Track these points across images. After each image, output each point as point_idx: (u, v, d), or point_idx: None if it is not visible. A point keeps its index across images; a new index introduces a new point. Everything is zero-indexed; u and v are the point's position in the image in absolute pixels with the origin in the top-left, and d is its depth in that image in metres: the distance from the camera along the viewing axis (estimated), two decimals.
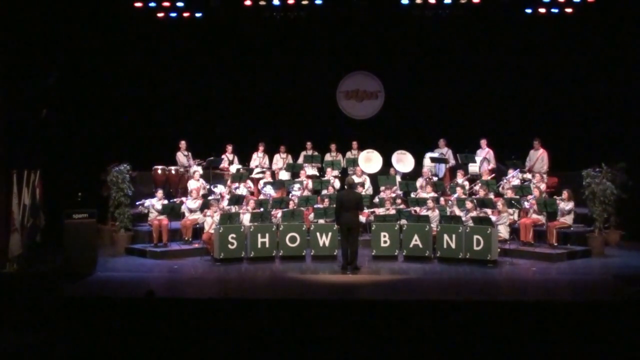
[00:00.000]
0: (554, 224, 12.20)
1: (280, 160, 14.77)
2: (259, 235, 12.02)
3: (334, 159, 14.68)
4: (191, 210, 12.78)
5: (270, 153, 14.87)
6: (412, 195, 13.46)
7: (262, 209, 12.53)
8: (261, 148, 14.81)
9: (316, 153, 14.79)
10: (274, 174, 14.48)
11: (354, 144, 15.00)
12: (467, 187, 13.46)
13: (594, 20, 14.45)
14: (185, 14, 14.97)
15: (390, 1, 15.05)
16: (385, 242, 12.08)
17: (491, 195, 12.78)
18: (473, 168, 14.14)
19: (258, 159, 14.78)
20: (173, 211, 12.67)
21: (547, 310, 8.82)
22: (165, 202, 12.73)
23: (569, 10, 14.52)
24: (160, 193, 12.88)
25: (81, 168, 13.60)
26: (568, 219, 12.25)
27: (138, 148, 14.64)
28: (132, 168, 13.33)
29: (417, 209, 12.76)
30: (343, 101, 16.40)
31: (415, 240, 11.96)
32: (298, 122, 15.92)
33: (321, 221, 12.50)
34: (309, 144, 14.93)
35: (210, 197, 13.05)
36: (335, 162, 14.57)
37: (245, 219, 12.40)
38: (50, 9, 12.73)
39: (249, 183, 13.93)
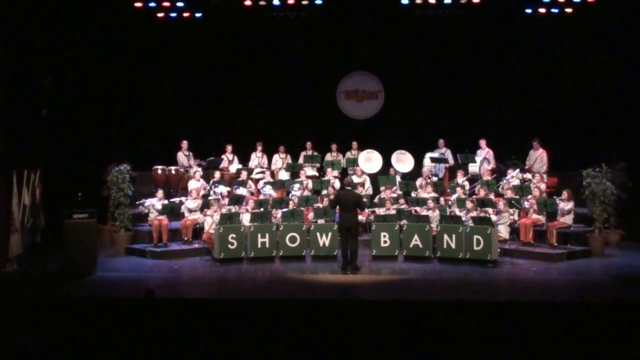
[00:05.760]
0: (554, 224, 12.19)
1: (279, 160, 14.77)
2: (259, 235, 12.02)
3: (334, 159, 14.68)
4: (191, 210, 12.78)
5: (270, 153, 14.87)
6: (412, 195, 13.46)
7: (262, 209, 12.53)
8: (259, 148, 14.82)
9: (316, 153, 14.79)
10: (273, 174, 14.48)
11: (354, 144, 15.00)
12: (467, 187, 13.46)
13: (594, 20, 14.45)
14: (185, 14, 14.99)
15: (390, 1, 15.06)
16: (385, 242, 12.08)
17: (491, 196, 12.78)
18: (473, 168, 14.15)
19: (257, 158, 14.79)
20: (173, 211, 12.67)
21: (547, 310, 8.83)
22: (166, 202, 12.72)
23: (569, 10, 14.54)
24: (160, 193, 12.88)
25: (81, 168, 13.59)
26: (568, 219, 12.24)
27: (138, 148, 14.63)
28: (132, 168, 13.32)
29: (417, 209, 12.76)
30: (343, 101, 16.41)
31: (415, 240, 11.95)
32: (298, 122, 15.93)
33: (321, 221, 12.50)
34: (309, 144, 14.94)
35: (210, 197, 13.05)
36: (335, 162, 14.57)
37: (245, 219, 12.40)
38: (50, 9, 12.72)
39: (249, 183, 13.92)
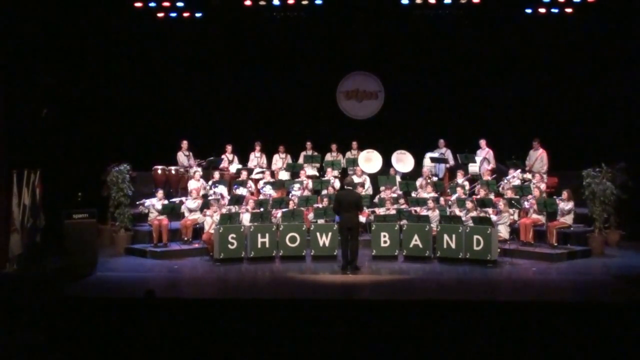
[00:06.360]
0: (554, 224, 12.20)
1: (279, 160, 14.78)
2: (259, 235, 12.02)
3: (334, 159, 14.68)
4: (191, 210, 12.79)
5: (269, 153, 14.87)
6: (412, 195, 13.46)
7: (262, 209, 12.53)
8: (258, 148, 14.82)
9: (316, 153, 14.79)
10: (273, 174, 14.49)
11: (354, 144, 15.01)
12: (467, 187, 13.46)
13: (594, 20, 14.45)
14: (185, 14, 14.98)
15: (390, 1, 15.05)
16: (385, 242, 12.08)
17: (491, 196, 12.78)
18: (473, 168, 14.15)
19: (256, 159, 14.80)
20: (173, 211, 12.67)
21: (547, 310, 8.83)
22: (165, 202, 12.73)
23: (569, 10, 14.52)
24: (160, 193, 12.88)
25: (81, 168, 13.59)
26: (568, 219, 12.25)
27: (138, 148, 14.64)
28: (132, 168, 13.32)
29: (417, 209, 12.76)
30: (343, 101, 16.41)
31: (415, 240, 11.96)
32: (298, 122, 15.93)
33: (321, 221, 12.50)
34: (309, 144, 14.94)
35: (210, 197, 13.05)
36: (335, 162, 14.57)
37: (245, 219, 12.40)
38: (50, 9, 12.72)
39: (249, 183, 13.93)
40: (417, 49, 15.84)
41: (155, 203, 12.66)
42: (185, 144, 14.47)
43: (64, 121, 13.38)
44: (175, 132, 15.00)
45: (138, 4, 14.47)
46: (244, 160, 14.81)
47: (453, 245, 11.75)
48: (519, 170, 13.54)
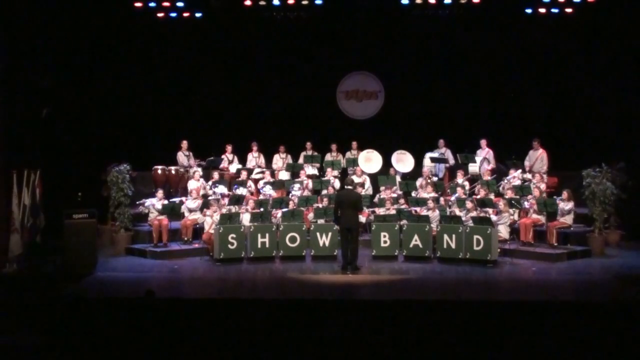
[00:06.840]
0: (554, 224, 12.20)
1: (279, 160, 14.77)
2: (259, 235, 12.01)
3: (334, 159, 14.67)
4: (191, 210, 12.79)
5: (269, 153, 14.86)
6: (412, 195, 13.46)
7: (262, 209, 12.53)
8: (255, 148, 14.82)
9: (316, 153, 14.78)
10: (273, 174, 14.49)
11: (354, 144, 14.99)
12: (467, 187, 13.46)
13: (594, 20, 14.45)
14: (185, 14, 14.97)
15: (390, 1, 15.06)
16: (385, 242, 12.08)
17: (491, 196, 12.78)
18: (473, 168, 14.15)
19: (254, 159, 14.80)
20: (173, 211, 12.67)
21: (547, 310, 8.83)
22: (166, 202, 12.72)
23: (569, 10, 14.52)
24: (160, 193, 12.88)
25: (81, 168, 13.60)
26: (568, 219, 12.25)
27: (138, 148, 14.64)
28: (132, 168, 13.32)
29: (417, 209, 12.76)
30: (343, 101, 16.40)
31: (415, 240, 11.95)
32: (298, 122, 15.92)
33: (321, 221, 12.49)
34: (308, 144, 14.93)
35: (210, 197, 13.05)
36: (335, 162, 14.56)
37: (245, 219, 12.40)
38: (50, 8, 12.73)
39: (249, 183, 13.93)
40: (417, 49, 15.84)
41: (155, 203, 12.66)
42: (185, 144, 14.47)
43: (64, 121, 13.38)
44: (175, 132, 15.00)
45: (138, 4, 14.47)
46: (243, 160, 14.81)
47: (453, 245, 11.74)
48: (519, 170, 13.53)
